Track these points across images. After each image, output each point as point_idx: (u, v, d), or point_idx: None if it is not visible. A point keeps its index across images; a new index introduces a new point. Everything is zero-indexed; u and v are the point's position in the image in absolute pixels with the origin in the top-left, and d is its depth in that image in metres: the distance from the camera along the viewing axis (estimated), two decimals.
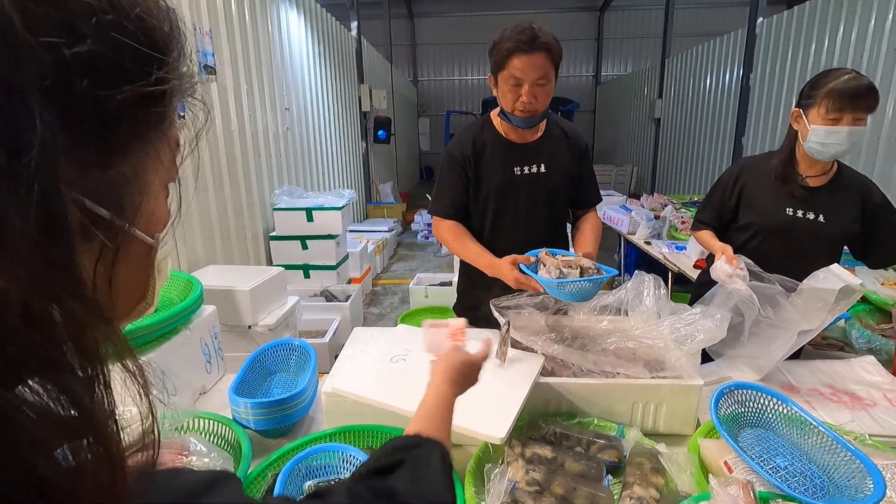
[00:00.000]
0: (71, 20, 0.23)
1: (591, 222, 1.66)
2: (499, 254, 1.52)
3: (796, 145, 1.51)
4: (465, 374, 0.78)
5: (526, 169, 1.55)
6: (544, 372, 1.19)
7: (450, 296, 3.79)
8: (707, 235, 1.65)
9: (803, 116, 1.44)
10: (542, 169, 1.57)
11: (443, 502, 0.55)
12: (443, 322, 0.92)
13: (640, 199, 4.77)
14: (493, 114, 1.59)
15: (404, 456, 0.58)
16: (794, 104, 1.51)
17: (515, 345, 1.25)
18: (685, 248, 3.08)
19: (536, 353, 1.21)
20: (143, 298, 0.35)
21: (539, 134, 1.57)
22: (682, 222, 3.68)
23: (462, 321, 0.92)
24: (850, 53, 4.14)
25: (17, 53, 0.21)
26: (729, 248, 1.45)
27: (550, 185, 1.59)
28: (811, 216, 1.50)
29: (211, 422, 1.10)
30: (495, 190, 1.55)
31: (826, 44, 4.44)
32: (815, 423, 1.00)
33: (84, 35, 0.23)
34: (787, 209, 1.53)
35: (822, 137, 1.39)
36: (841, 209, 1.47)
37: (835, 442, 0.95)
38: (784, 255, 1.49)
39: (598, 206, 1.74)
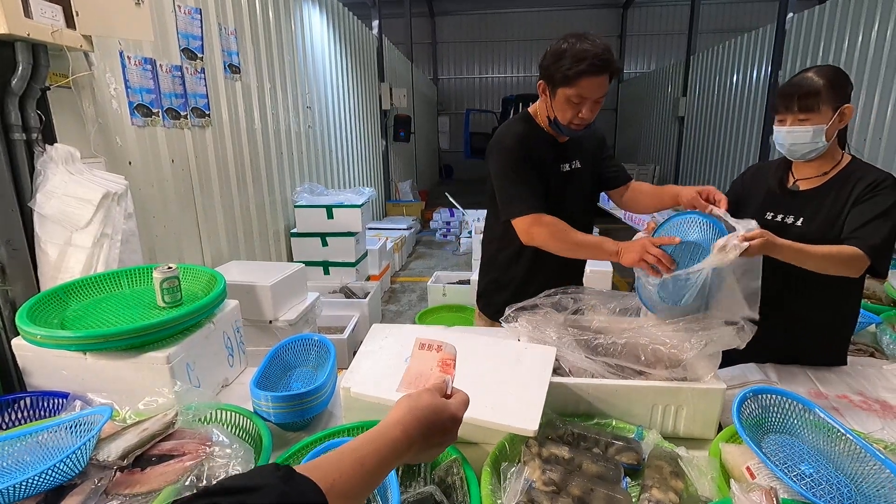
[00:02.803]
0: None
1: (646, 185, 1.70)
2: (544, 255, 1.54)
3: None
4: (431, 425, 0.62)
5: (568, 165, 1.59)
6: (562, 372, 1.18)
7: (467, 294, 3.81)
8: None
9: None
10: (578, 165, 1.61)
11: None
12: (435, 343, 0.78)
13: None
14: (532, 110, 1.58)
15: (219, 502, 0.41)
16: None
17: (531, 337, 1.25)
18: None
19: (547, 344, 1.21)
20: None
21: None
22: None
23: (453, 349, 0.77)
24: (884, 49, 3.99)
25: None
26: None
27: (585, 179, 1.64)
28: (790, 220, 1.42)
29: (233, 414, 1.13)
30: (549, 187, 1.55)
31: (859, 39, 4.30)
32: (842, 431, 0.97)
33: None
34: (768, 213, 1.46)
35: (775, 138, 1.40)
36: (826, 212, 1.36)
37: (863, 450, 0.93)
38: (767, 260, 1.26)
39: None
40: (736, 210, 1.56)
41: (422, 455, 0.63)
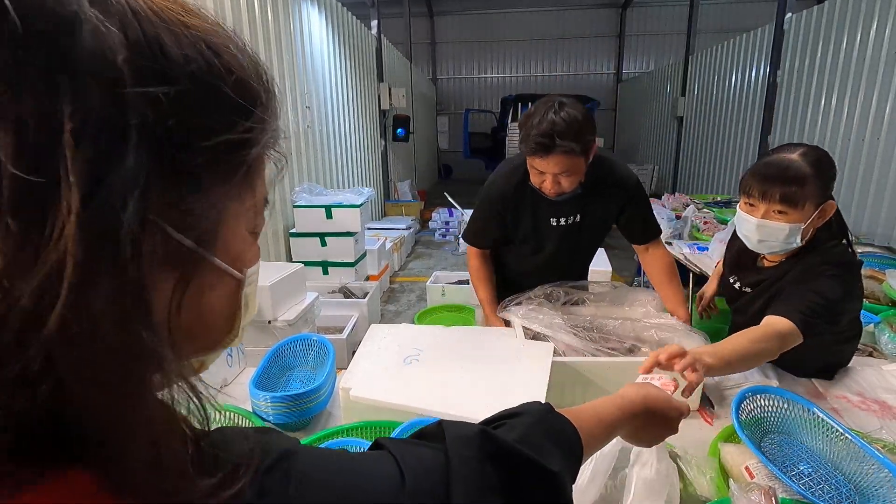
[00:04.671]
0: (171, 73, 0.25)
1: (666, 266, 1.58)
2: (527, 282, 1.60)
3: None
4: (656, 408, 0.67)
5: (562, 220, 1.52)
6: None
7: (466, 294, 3.80)
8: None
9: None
10: (578, 219, 1.52)
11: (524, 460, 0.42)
12: (656, 376, 0.85)
13: (661, 199, 4.70)
14: None
15: (506, 422, 0.49)
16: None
17: (527, 333, 1.30)
18: (707, 249, 3.03)
19: (548, 340, 1.25)
20: (229, 331, 0.36)
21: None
22: (705, 223, 3.62)
23: (673, 378, 0.84)
24: (883, 50, 4.00)
25: (122, 101, 0.23)
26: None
27: (585, 233, 1.57)
28: (747, 289, 1.33)
29: (232, 414, 1.12)
30: (530, 236, 1.55)
31: (858, 40, 4.30)
32: (841, 430, 0.97)
33: (180, 85, 0.25)
34: (734, 281, 1.39)
35: (738, 224, 1.21)
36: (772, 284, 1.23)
37: (862, 450, 0.93)
38: (745, 325, 1.16)
39: None
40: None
41: (641, 434, 0.68)
